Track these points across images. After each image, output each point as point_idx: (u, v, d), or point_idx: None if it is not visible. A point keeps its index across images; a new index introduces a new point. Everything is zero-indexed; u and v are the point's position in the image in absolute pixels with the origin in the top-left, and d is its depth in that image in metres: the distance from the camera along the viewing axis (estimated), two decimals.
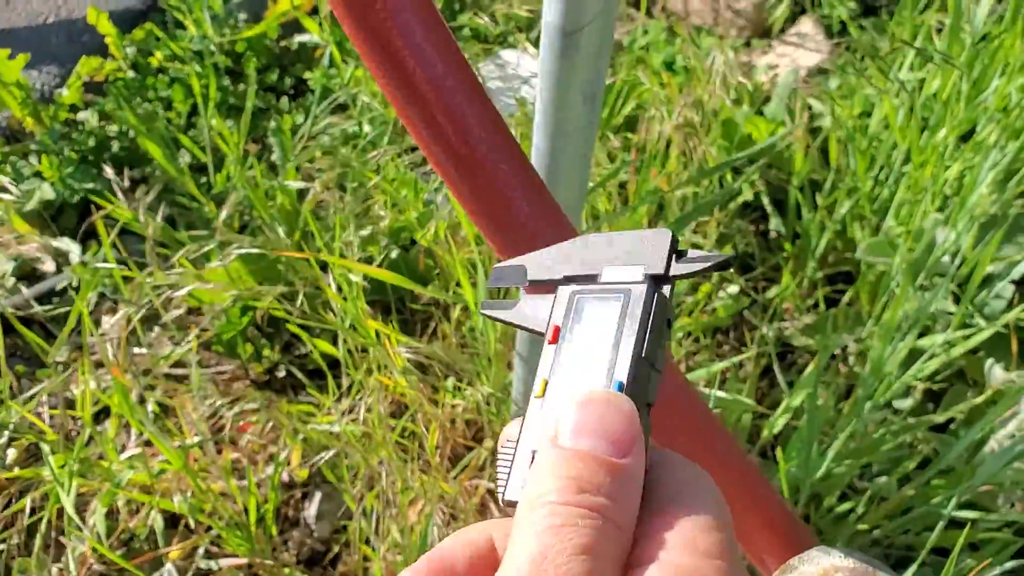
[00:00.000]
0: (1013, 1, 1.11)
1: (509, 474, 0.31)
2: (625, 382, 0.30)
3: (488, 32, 1.77)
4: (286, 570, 1.21)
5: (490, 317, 0.36)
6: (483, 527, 0.32)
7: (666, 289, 0.32)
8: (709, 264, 0.32)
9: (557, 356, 0.32)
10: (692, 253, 0.32)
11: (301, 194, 1.50)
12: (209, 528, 1.21)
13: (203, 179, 1.63)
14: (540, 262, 0.35)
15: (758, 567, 0.66)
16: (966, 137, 1.32)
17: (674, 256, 0.32)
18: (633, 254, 0.33)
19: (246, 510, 1.16)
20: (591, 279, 0.33)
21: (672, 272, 0.32)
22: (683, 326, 1.29)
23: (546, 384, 0.31)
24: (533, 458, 0.29)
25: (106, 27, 1.65)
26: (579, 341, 0.32)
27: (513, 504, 0.29)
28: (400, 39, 0.43)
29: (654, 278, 0.32)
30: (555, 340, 0.32)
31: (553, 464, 0.28)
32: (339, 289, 1.26)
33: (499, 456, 0.31)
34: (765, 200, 1.41)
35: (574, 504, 0.27)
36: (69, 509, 1.03)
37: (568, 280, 0.34)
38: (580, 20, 0.60)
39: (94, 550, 1.18)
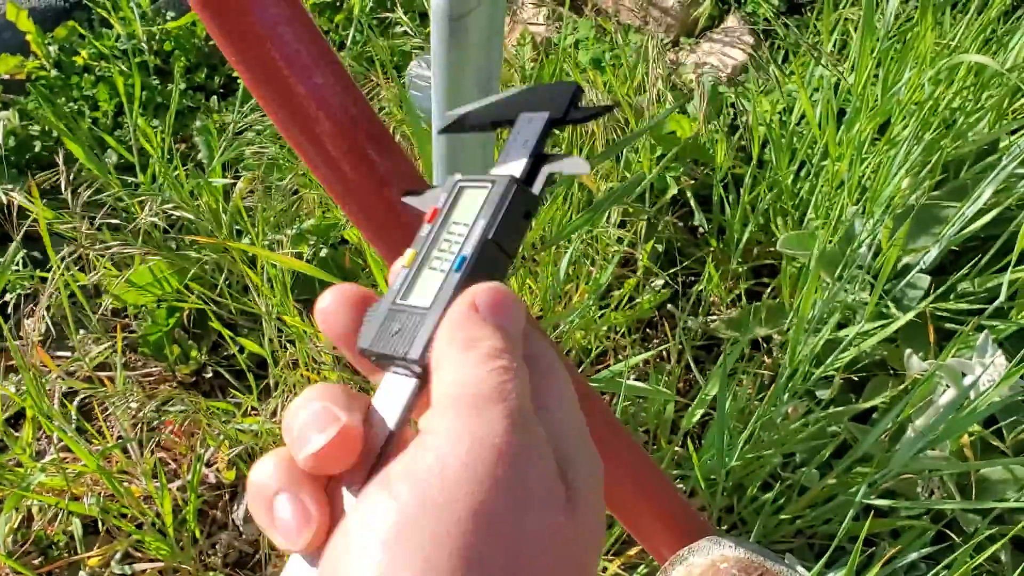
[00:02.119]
0: None
1: (366, 327, 0.34)
2: (468, 256, 0.33)
3: (419, 31, 1.76)
4: (211, 573, 1.19)
5: (407, 205, 0.39)
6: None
7: (537, 184, 0.36)
8: (598, 110, 0.37)
9: (429, 234, 0.35)
10: (585, 107, 0.37)
11: (229, 193, 1.48)
12: (132, 533, 1.19)
13: (130, 179, 1.60)
14: (479, 107, 0.40)
15: (655, 557, 0.66)
16: (885, 130, 1.35)
17: (573, 106, 0.37)
18: (543, 102, 0.37)
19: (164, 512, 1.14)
20: (511, 123, 0.38)
21: (569, 116, 0.37)
22: (608, 320, 1.30)
23: (415, 256, 0.35)
24: (387, 315, 0.34)
25: (26, 24, 1.62)
26: (450, 222, 0.35)
27: (364, 351, 0.34)
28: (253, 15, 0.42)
29: (552, 121, 0.37)
30: (431, 220, 0.36)
31: (480, 324, 0.32)
32: (269, 283, 1.25)
33: (366, 314, 0.35)
34: (690, 194, 1.42)
35: (514, 360, 0.32)
36: None
37: (496, 125, 0.40)
38: (466, 4, 0.60)
39: (11, 555, 1.15)
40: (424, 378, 0.32)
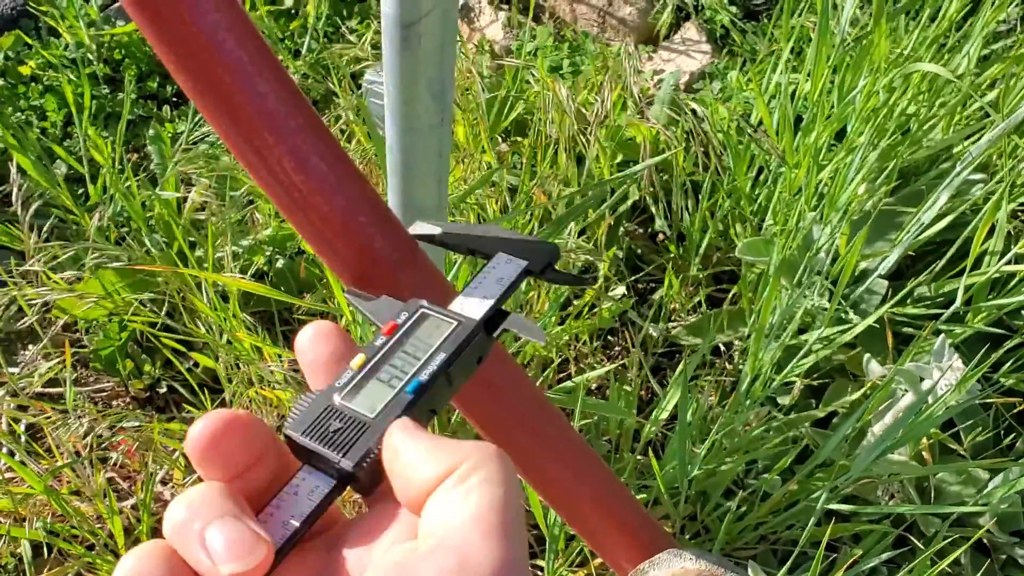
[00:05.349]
0: (876, 3, 1.14)
1: (301, 415, 0.34)
2: (424, 382, 0.35)
3: (376, 38, 1.74)
4: None
5: (350, 303, 0.41)
6: None
7: (495, 333, 0.38)
8: (572, 278, 0.44)
9: (383, 346, 0.37)
10: (561, 272, 0.42)
11: (183, 204, 1.45)
12: (82, 555, 1.15)
13: (81, 190, 1.57)
14: (461, 231, 0.45)
15: (616, 571, 0.65)
16: (841, 136, 1.35)
17: (551, 267, 0.41)
18: (523, 251, 0.42)
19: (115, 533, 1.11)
20: (487, 257, 0.42)
21: (545, 275, 0.41)
22: (569, 328, 1.29)
23: (364, 362, 0.36)
24: (327, 410, 0.34)
25: None
26: (407, 342, 0.37)
27: (292, 439, 0.34)
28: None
29: (527, 272, 0.41)
30: (389, 333, 0.37)
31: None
32: (223, 299, 1.22)
33: (298, 400, 0.35)
34: (650, 201, 1.42)
35: None
36: None
37: (472, 252, 0.43)
38: (417, 10, 0.59)
39: None
40: (343, 484, 0.33)
